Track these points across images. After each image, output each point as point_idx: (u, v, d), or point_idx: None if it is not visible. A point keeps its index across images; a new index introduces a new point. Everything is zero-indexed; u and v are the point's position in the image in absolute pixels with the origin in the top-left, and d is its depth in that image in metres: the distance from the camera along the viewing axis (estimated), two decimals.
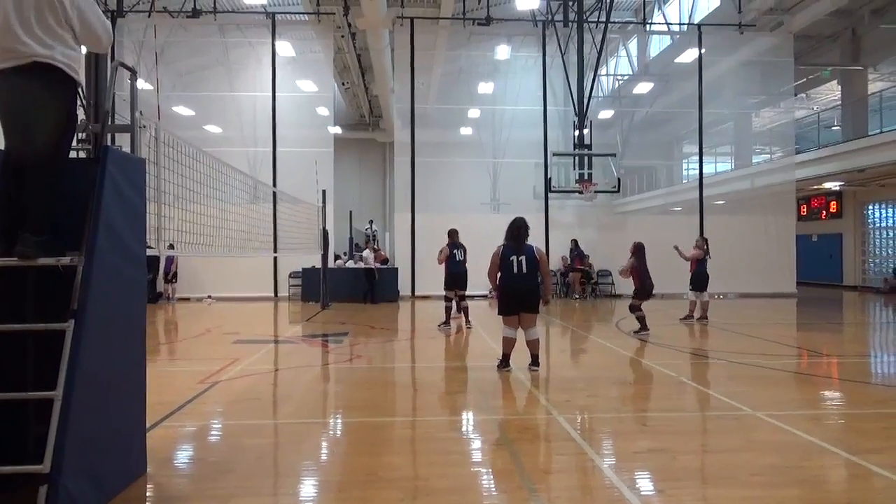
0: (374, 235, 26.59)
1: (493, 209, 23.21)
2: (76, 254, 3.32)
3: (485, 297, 15.69)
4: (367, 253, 17.72)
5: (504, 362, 7.20)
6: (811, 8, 18.09)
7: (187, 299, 17.83)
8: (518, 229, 7.15)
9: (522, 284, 7.02)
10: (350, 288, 16.96)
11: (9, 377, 3.46)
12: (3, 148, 3.49)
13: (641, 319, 10.44)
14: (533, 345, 7.17)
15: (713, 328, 11.42)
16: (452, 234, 11.64)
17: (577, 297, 18.30)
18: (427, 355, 9.06)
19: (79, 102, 3.60)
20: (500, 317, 7.28)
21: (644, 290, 10.61)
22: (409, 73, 19.09)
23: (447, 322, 11.34)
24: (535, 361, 7.16)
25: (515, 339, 7.18)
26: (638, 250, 10.67)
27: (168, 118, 17.24)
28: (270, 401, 6.21)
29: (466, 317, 11.53)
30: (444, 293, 11.67)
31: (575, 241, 18.47)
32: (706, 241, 12.79)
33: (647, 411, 5.53)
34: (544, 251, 7.28)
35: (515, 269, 7.00)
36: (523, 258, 7.00)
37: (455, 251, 11.41)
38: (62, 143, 3.43)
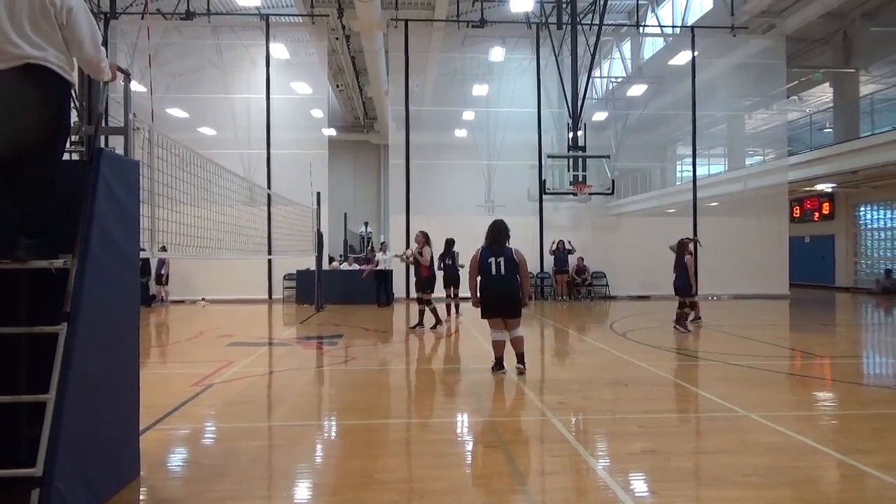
0: (369, 238, 26.58)
1: (487, 211, 23.28)
2: (69, 256, 3.31)
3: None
4: (381, 255, 17.70)
5: (498, 365, 7.17)
6: (803, 11, 18.21)
7: (181, 302, 17.78)
8: (499, 232, 7.06)
9: (502, 287, 6.94)
10: (346, 290, 16.96)
11: (1, 380, 3.45)
12: None
13: (680, 316, 10.89)
14: (517, 342, 7.07)
15: (706, 329, 11.45)
16: (450, 242, 12.08)
17: (563, 298, 18.26)
18: (421, 357, 9.06)
19: (72, 104, 3.59)
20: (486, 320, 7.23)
21: (677, 286, 10.89)
22: (404, 76, 19.11)
23: (439, 322, 11.37)
24: (520, 360, 7.09)
25: (505, 340, 7.15)
26: (677, 247, 11.02)
27: (162, 120, 17.23)
28: (265, 403, 6.20)
29: (457, 308, 12.53)
30: (420, 296, 11.48)
31: (561, 242, 18.44)
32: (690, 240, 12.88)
33: (640, 413, 5.54)
34: (523, 253, 7.21)
35: (494, 271, 6.92)
36: (502, 260, 6.92)
37: (448, 257, 12.04)
38: (56, 145, 3.42)
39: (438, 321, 11.38)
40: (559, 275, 18.36)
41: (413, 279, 17.81)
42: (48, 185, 3.36)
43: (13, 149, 3.26)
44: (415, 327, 11.32)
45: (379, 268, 16.79)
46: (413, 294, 17.67)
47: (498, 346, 7.15)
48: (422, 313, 11.36)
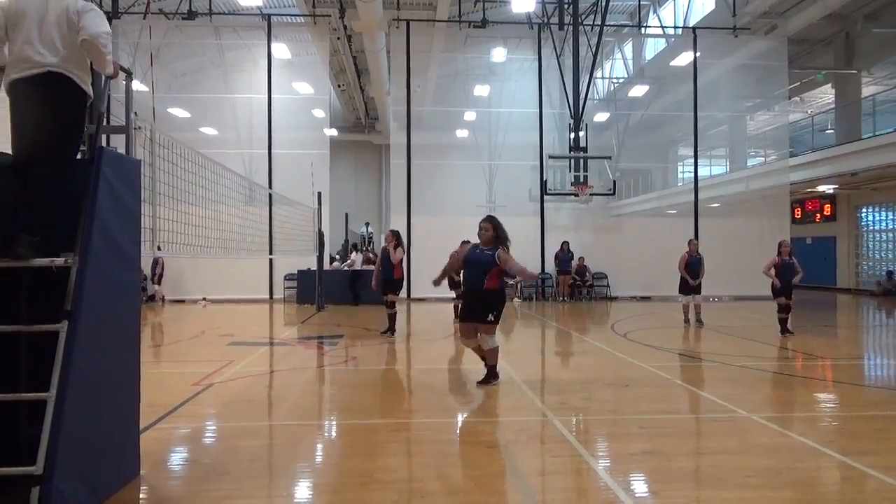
0: (370, 238, 26.59)
1: (488, 211, 23.20)
2: (70, 255, 3.32)
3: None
4: (355, 255, 17.72)
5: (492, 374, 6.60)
6: (805, 12, 18.19)
7: (182, 301, 17.79)
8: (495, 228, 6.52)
9: (472, 287, 6.50)
10: (347, 290, 16.99)
11: (2, 378, 3.45)
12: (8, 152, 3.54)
13: (782, 322, 10.49)
14: (489, 354, 6.60)
15: (707, 330, 11.43)
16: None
17: (564, 299, 18.24)
18: (422, 357, 9.05)
19: (86, 115, 3.68)
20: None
21: (773, 289, 10.65)
22: (405, 76, 19.11)
23: (392, 330, 10.63)
24: (491, 373, 6.58)
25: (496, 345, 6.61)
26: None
27: (163, 120, 17.21)
28: (265, 403, 6.20)
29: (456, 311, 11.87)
30: (391, 298, 10.66)
31: (566, 243, 18.45)
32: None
33: (641, 413, 5.54)
34: (525, 254, 6.90)
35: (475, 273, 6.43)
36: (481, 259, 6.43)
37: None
38: (68, 149, 3.53)
39: (392, 329, 10.61)
40: (562, 275, 18.32)
41: (413, 280, 17.99)
42: (56, 187, 3.41)
43: (29, 151, 3.38)
44: (386, 332, 10.55)
45: (355, 268, 16.79)
46: (413, 295, 17.84)
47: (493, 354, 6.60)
48: (392, 317, 10.67)
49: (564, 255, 18.31)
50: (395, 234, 10.72)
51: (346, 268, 17.38)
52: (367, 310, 15.44)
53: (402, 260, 10.54)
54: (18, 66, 3.37)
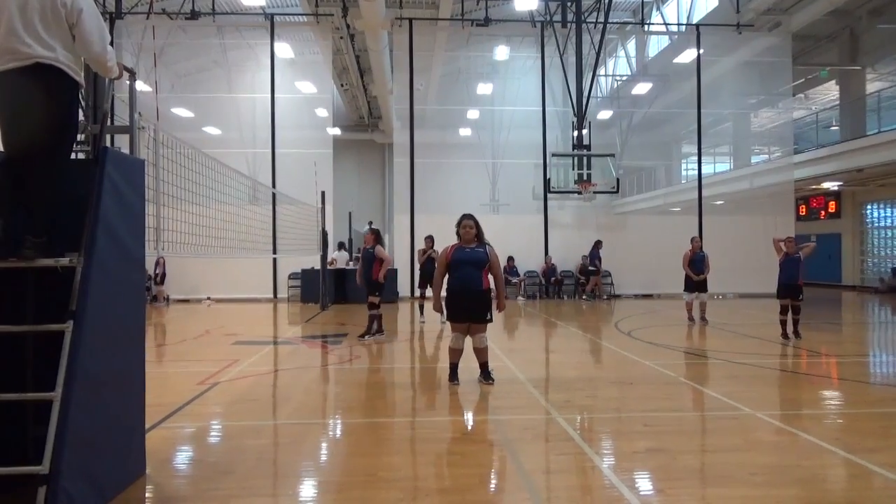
0: None
1: (492, 210, 23.24)
2: (75, 255, 3.32)
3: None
4: (338, 254, 17.63)
5: (452, 374, 6.62)
6: (809, 8, 18.13)
7: (186, 301, 17.83)
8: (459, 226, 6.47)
9: (470, 287, 6.34)
10: (350, 289, 16.99)
11: (8, 378, 3.47)
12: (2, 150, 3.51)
13: (782, 324, 9.77)
14: (485, 352, 6.63)
15: (712, 328, 11.41)
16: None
17: (604, 297, 18.13)
18: (426, 356, 9.06)
19: (79, 104, 3.61)
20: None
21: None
22: (408, 75, 19.10)
23: (381, 330, 10.18)
24: (484, 372, 6.61)
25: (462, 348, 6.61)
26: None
27: (167, 120, 17.26)
28: (270, 402, 6.21)
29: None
30: (373, 300, 10.05)
31: (601, 242, 18.21)
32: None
33: (646, 411, 5.53)
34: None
35: (464, 272, 6.35)
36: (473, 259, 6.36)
37: None
38: (63, 144, 3.45)
39: (380, 329, 10.18)
40: (594, 275, 18.12)
41: (416, 278, 17.91)
42: (55, 184, 3.38)
43: (23, 147, 3.29)
44: (363, 335, 10.03)
45: (337, 266, 16.78)
46: (417, 293, 17.72)
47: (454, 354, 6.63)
48: (378, 318, 10.13)
49: (596, 252, 18.06)
50: (376, 233, 10.21)
51: (328, 267, 17.28)
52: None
53: (384, 259, 9.99)
54: (3, 58, 3.21)
